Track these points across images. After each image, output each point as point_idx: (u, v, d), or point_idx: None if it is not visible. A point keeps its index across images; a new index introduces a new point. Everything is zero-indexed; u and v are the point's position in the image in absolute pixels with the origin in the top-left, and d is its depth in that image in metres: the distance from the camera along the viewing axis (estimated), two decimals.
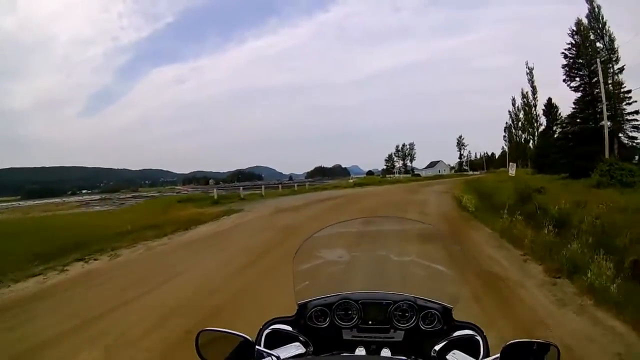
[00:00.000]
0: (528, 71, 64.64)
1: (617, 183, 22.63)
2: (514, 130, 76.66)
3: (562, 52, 38.78)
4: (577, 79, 38.15)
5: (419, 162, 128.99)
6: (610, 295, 5.63)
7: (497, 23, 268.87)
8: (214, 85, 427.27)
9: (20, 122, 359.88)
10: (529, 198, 14.68)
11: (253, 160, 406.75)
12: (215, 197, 28.82)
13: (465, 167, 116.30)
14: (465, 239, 10.69)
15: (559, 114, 48.44)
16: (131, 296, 6.95)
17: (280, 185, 46.33)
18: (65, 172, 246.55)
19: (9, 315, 6.36)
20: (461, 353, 1.63)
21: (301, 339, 1.77)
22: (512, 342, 1.38)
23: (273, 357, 1.51)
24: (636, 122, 35.17)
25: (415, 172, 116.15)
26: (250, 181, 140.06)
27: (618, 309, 5.19)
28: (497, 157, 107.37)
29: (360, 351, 1.70)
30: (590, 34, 37.64)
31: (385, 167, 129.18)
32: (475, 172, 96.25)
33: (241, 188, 35.03)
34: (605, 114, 31.94)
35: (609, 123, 34.38)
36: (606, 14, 36.99)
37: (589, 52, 37.18)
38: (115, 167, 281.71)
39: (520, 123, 72.85)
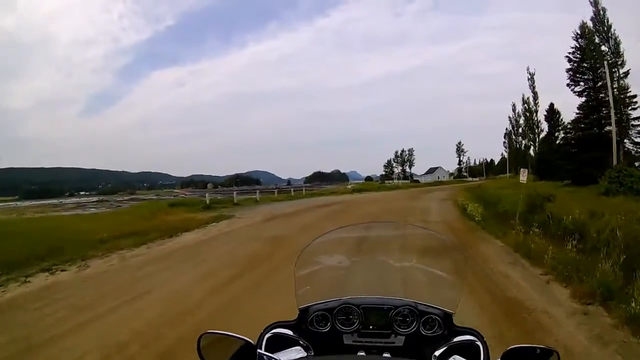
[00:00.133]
0: (529, 76, 63.98)
1: (628, 190, 21.71)
2: (514, 137, 76.30)
3: (567, 56, 38.28)
4: (582, 83, 37.68)
5: (418, 168, 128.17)
6: None
7: (497, 30, 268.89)
8: (213, 89, 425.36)
9: (19, 122, 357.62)
10: (538, 207, 13.68)
11: (252, 164, 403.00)
12: (207, 202, 27.62)
13: (464, 174, 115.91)
14: (475, 253, 9.57)
15: (561, 120, 47.58)
16: (81, 321, 5.91)
17: (276, 190, 45.00)
18: (63, 173, 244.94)
19: None
20: (461, 358, 1.60)
21: (302, 343, 1.76)
22: (512, 347, 1.42)
23: None
24: None
25: (414, 178, 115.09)
26: (248, 185, 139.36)
27: None
28: (496, 163, 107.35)
29: (361, 355, 1.69)
30: (595, 37, 36.88)
31: (384, 172, 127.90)
32: (475, 179, 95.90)
33: (235, 193, 33.62)
34: (613, 118, 31.00)
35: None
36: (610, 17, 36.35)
37: (594, 55, 36.45)
38: (114, 169, 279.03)
39: (520, 129, 72.33)
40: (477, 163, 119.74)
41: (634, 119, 34.77)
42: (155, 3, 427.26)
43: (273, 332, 1.77)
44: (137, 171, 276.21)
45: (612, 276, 6.31)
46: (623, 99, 34.82)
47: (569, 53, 37.95)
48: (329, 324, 1.84)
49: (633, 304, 5.20)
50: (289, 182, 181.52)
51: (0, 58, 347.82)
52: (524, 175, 12.65)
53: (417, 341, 1.77)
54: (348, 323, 1.83)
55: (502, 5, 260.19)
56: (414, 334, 1.78)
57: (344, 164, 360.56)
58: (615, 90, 33.89)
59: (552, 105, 51.13)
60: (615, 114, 32.46)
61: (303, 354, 1.70)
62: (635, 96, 34.79)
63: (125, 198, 76.45)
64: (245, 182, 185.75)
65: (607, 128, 33.98)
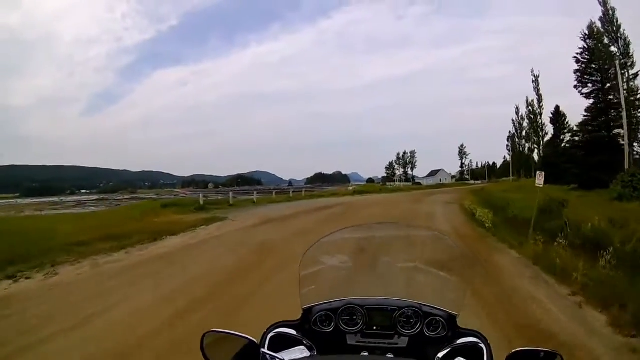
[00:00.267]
0: (534, 79, 63.26)
1: None
2: (517, 140, 75.71)
3: (574, 57, 37.34)
4: (590, 85, 36.66)
5: (420, 171, 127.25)
6: None
7: (499, 33, 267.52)
8: (216, 89, 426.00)
9: (22, 120, 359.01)
10: (550, 212, 12.73)
11: (253, 165, 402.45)
12: (201, 203, 26.50)
13: (467, 176, 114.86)
14: (489, 265, 8.50)
15: (567, 123, 46.43)
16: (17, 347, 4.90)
17: (274, 192, 43.55)
18: (65, 171, 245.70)
19: None
20: None
21: (305, 342, 1.77)
22: (516, 350, 1.41)
23: (277, 359, 1.51)
24: None
25: (416, 181, 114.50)
26: (250, 186, 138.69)
27: None
28: (498, 166, 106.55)
29: (365, 356, 1.70)
30: (605, 37, 35.85)
31: (385, 174, 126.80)
32: (477, 182, 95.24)
33: (231, 193, 32.31)
34: (625, 120, 29.97)
35: (622, 131, 32.79)
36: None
37: (603, 56, 35.48)
38: (115, 168, 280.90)
39: (524, 132, 71.53)
40: (480, 166, 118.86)
41: None
42: (159, 3, 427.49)
43: (276, 332, 1.79)
44: (138, 170, 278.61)
45: None
46: (633, 101, 33.72)
47: (577, 54, 37.08)
48: (332, 324, 1.84)
49: None
50: (290, 183, 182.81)
51: (3, 56, 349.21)
52: (540, 179, 11.50)
53: (420, 342, 1.77)
54: (352, 323, 1.83)
55: (504, 9, 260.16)
56: (417, 335, 1.78)
57: (345, 166, 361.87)
58: (625, 92, 32.92)
59: (557, 107, 50.04)
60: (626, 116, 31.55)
61: (306, 353, 1.71)
62: None
63: (126, 197, 76.53)
64: (247, 182, 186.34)
65: (616, 131, 33.22)
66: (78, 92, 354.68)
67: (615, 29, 35.47)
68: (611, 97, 34.45)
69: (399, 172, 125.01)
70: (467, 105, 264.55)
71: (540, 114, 63.37)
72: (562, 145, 44.59)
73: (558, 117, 49.53)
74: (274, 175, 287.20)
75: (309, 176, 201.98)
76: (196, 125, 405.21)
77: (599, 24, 36.10)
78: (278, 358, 1.50)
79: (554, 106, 50.04)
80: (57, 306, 6.72)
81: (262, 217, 19.54)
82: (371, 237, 2.45)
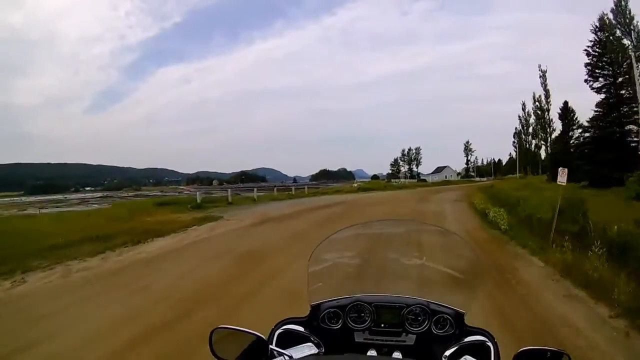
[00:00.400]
0: (541, 74, 62.22)
1: None
2: (523, 136, 75.09)
3: (585, 50, 36.01)
4: (601, 79, 35.24)
5: (425, 167, 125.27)
6: None
7: (504, 29, 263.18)
8: (220, 86, 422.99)
9: (26, 118, 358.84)
10: (568, 212, 11.61)
11: (258, 161, 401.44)
12: (198, 200, 25.46)
13: (472, 173, 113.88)
14: (512, 278, 7.34)
15: (576, 119, 45.01)
16: None
17: (275, 189, 42.32)
18: (70, 168, 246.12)
19: None
20: (472, 359, 1.61)
21: (313, 339, 1.76)
22: (523, 349, 1.40)
23: (285, 356, 1.54)
24: None
25: (421, 177, 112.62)
26: (254, 182, 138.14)
27: None
28: (504, 163, 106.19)
29: (372, 354, 1.67)
30: (617, 29, 34.54)
31: (390, 171, 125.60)
32: (482, 179, 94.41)
33: (229, 191, 31.30)
34: None
35: (634, 127, 31.71)
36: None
37: (615, 49, 34.21)
38: (120, 165, 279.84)
39: (531, 128, 70.47)
40: (485, 163, 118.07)
41: None
42: (162, 1, 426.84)
43: (284, 328, 1.80)
44: (143, 167, 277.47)
45: None
46: None
47: (588, 47, 35.74)
48: (340, 321, 1.82)
49: None
50: (295, 179, 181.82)
51: (7, 55, 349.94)
52: (562, 176, 10.28)
53: (428, 340, 1.75)
54: (360, 321, 1.81)
55: (509, 5, 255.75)
56: (425, 333, 1.76)
57: (350, 162, 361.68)
58: (637, 86, 31.92)
59: (566, 103, 48.14)
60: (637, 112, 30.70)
61: (314, 350, 1.70)
62: None
63: (130, 194, 76.83)
64: (251, 179, 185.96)
65: (629, 127, 32.15)
66: (82, 90, 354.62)
67: (627, 20, 34.18)
68: (623, 91, 33.49)
69: (404, 168, 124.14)
70: (472, 102, 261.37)
71: (548, 110, 62.62)
72: (571, 141, 43.22)
73: (567, 112, 47.76)
74: (279, 171, 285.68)
75: (314, 173, 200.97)
76: (200, 122, 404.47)
77: (610, 16, 34.92)
78: (286, 354, 1.53)
79: (563, 102, 48.27)
80: (10, 322, 6.00)
81: (259, 217, 18.61)
82: (379, 234, 2.39)
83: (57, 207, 37.22)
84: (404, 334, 1.76)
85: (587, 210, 10.44)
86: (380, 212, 19.96)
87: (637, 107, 31.08)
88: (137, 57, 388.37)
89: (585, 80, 35.78)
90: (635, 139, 31.14)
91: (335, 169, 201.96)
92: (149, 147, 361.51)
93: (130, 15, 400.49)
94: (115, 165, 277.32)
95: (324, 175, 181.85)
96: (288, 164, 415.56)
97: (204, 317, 5.61)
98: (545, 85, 62.34)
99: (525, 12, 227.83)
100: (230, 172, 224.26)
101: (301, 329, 1.82)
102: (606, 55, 34.71)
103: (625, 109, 32.80)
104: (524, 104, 70.83)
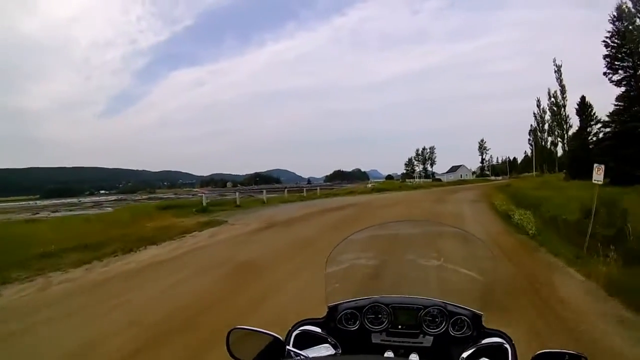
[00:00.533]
0: (556, 69, 60.13)
1: None
2: (539, 133, 73.23)
3: (603, 41, 34.54)
4: (621, 71, 33.89)
5: (440, 167, 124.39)
6: None
7: (516, 25, 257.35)
8: (233, 88, 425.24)
9: (40, 123, 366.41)
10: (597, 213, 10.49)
11: (272, 163, 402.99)
12: (204, 204, 24.53)
13: (487, 172, 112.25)
14: (550, 296, 6.10)
15: (594, 114, 43.28)
16: None
17: (285, 190, 40.89)
18: (85, 172, 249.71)
19: None
20: None
21: (330, 340, 1.74)
22: (541, 352, 1.38)
23: (302, 357, 1.54)
24: None
25: (436, 177, 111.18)
26: (268, 184, 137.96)
27: None
28: (519, 161, 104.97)
29: (389, 355, 1.66)
30: (637, 18, 32.99)
31: (405, 171, 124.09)
32: (498, 177, 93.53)
33: (237, 193, 30.22)
34: None
35: None
36: None
37: (635, 39, 32.72)
38: (135, 169, 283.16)
39: (546, 125, 68.65)
40: (500, 161, 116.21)
41: None
42: (173, 5, 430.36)
43: (302, 329, 1.78)
44: (158, 170, 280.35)
45: None
46: None
47: (606, 37, 34.22)
48: (357, 322, 1.81)
49: None
50: (309, 181, 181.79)
51: (22, 61, 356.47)
52: (599, 174, 9.00)
53: (445, 342, 1.72)
54: (377, 322, 1.80)
55: (520, 1, 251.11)
56: (442, 334, 1.73)
57: (364, 163, 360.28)
58: None
59: (583, 98, 46.29)
60: None
61: (331, 351, 1.69)
62: None
63: (144, 197, 76.82)
64: (265, 180, 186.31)
65: None
66: (96, 95, 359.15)
67: None
68: None
69: (418, 168, 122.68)
70: (486, 100, 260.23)
71: (564, 106, 60.52)
72: (589, 137, 41.53)
73: (584, 108, 45.88)
74: (293, 173, 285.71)
75: (328, 174, 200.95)
76: (214, 124, 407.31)
77: (629, 4, 33.18)
78: (302, 356, 1.54)
79: (580, 97, 46.44)
80: None
81: (265, 220, 17.60)
82: (396, 235, 2.36)
83: (71, 210, 36.81)
84: (421, 335, 1.74)
85: (626, 211, 9.24)
86: (395, 214, 18.68)
87: None
88: (150, 60, 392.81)
89: (604, 73, 34.54)
90: None
91: (349, 169, 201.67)
92: (163, 150, 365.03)
93: (142, 20, 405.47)
94: (130, 168, 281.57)
95: (338, 176, 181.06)
96: (302, 165, 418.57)
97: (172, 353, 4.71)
98: (561, 81, 60.29)
99: (537, 7, 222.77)
100: (244, 173, 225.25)
101: (318, 330, 1.79)
102: (626, 46, 33.31)
103: None
104: (538, 101, 69.08)
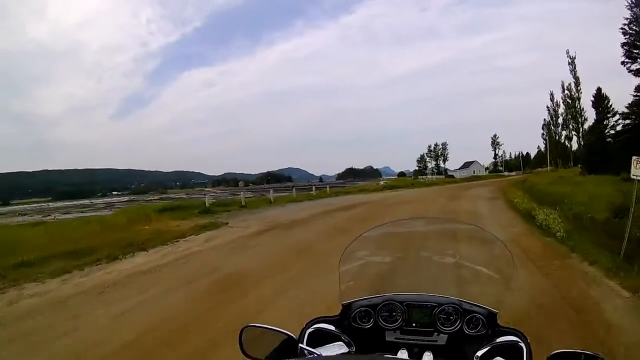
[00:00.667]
0: (569, 61, 58.36)
1: None
2: (553, 128, 71.26)
3: (621, 29, 33.26)
4: None
5: (452, 163, 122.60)
6: None
7: (527, 19, 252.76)
8: (244, 88, 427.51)
9: (53, 126, 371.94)
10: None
11: (284, 161, 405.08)
12: (207, 204, 23.56)
13: (500, 168, 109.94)
14: (593, 320, 4.92)
15: (611, 106, 41.66)
16: None
17: (293, 189, 39.45)
18: (98, 173, 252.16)
19: None
20: None
21: (344, 338, 1.72)
22: (557, 351, 1.37)
23: (315, 355, 1.53)
24: None
25: (449, 173, 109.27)
26: (280, 183, 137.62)
27: None
28: (532, 157, 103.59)
29: (403, 353, 1.64)
30: None
31: (417, 168, 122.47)
32: (512, 173, 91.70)
33: (242, 193, 29.35)
34: None
35: None
36: None
37: None
38: (147, 169, 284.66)
39: (560, 119, 66.96)
40: (513, 157, 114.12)
41: None
42: (182, 6, 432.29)
43: (315, 327, 1.76)
44: (170, 170, 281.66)
45: None
46: None
47: (624, 25, 32.79)
48: (371, 320, 1.80)
49: None
50: (321, 179, 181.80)
51: (35, 66, 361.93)
52: (639, 168, 7.79)
53: (459, 340, 1.70)
54: (391, 320, 1.78)
55: None
56: (457, 332, 1.71)
57: (376, 160, 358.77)
58: None
59: (599, 89, 44.60)
60: None
61: (345, 349, 1.67)
62: None
63: (155, 198, 77.09)
64: (277, 179, 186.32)
65: None
66: (108, 97, 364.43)
67: None
68: None
69: (431, 164, 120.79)
70: (497, 95, 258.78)
71: (579, 99, 58.75)
72: (606, 131, 40.14)
73: (601, 100, 44.24)
74: (305, 171, 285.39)
75: (340, 171, 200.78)
76: (226, 124, 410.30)
77: None
78: (316, 353, 1.53)
79: (596, 88, 44.79)
80: None
81: (268, 222, 16.63)
82: (411, 232, 2.39)
83: (82, 211, 37.74)
84: (436, 333, 1.72)
85: None
86: (408, 213, 17.25)
87: None
88: (160, 62, 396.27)
89: (622, 62, 33.46)
90: None
91: (361, 167, 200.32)
92: (175, 150, 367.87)
93: (152, 23, 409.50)
94: (142, 169, 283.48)
95: (350, 174, 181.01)
96: (314, 163, 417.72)
97: None
98: (575, 72, 58.51)
99: (548, 1, 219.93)
100: (256, 173, 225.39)
101: (332, 327, 1.76)
102: None
103: None
104: (552, 94, 67.25)
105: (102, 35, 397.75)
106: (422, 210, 19.12)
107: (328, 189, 42.92)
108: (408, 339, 1.70)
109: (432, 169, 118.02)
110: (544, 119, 72.54)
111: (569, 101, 60.86)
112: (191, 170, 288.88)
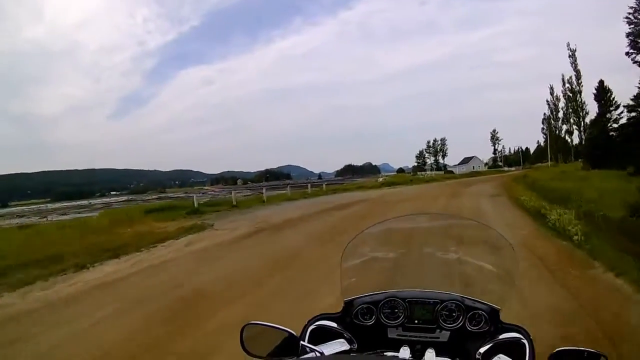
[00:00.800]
0: (570, 53, 57.47)
1: None
2: (553, 122, 70.21)
3: (626, 18, 32.17)
4: None
5: (451, 159, 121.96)
6: None
7: (526, 13, 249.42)
8: (242, 86, 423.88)
9: (50, 127, 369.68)
10: None
11: (283, 159, 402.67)
12: (196, 205, 22.56)
13: (499, 163, 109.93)
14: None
15: (613, 99, 40.84)
16: None
17: (288, 187, 37.85)
18: (96, 174, 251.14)
19: None
20: (507, 358, 1.50)
21: (346, 335, 1.70)
22: (560, 349, 1.35)
23: (317, 352, 1.50)
24: None
25: (448, 169, 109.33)
26: (278, 180, 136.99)
27: None
28: (531, 151, 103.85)
29: (405, 350, 1.55)
30: None
31: (416, 164, 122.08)
32: (511, 168, 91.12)
33: (233, 192, 28.14)
34: None
35: None
36: None
37: None
38: (146, 169, 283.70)
39: (561, 113, 66.30)
40: (512, 152, 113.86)
41: None
42: (179, 5, 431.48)
43: (317, 324, 1.74)
44: (169, 170, 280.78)
45: None
46: None
47: (629, 13, 31.77)
48: (373, 317, 1.78)
49: None
50: (320, 176, 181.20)
51: (32, 67, 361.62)
52: None
53: (462, 337, 1.69)
54: (393, 317, 1.76)
55: None
56: (459, 329, 1.69)
57: (375, 157, 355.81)
58: None
59: (601, 82, 43.85)
60: None
61: (347, 346, 1.66)
62: None
63: (154, 197, 76.22)
64: (276, 177, 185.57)
65: None
66: (106, 97, 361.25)
67: None
68: None
69: (430, 160, 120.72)
70: (496, 90, 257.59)
71: (580, 92, 57.90)
72: (609, 124, 39.77)
73: (603, 93, 43.43)
74: (305, 168, 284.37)
75: (339, 168, 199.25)
76: (225, 122, 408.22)
77: None
78: (317, 351, 1.49)
79: (598, 81, 43.95)
80: None
81: (257, 224, 15.63)
82: (413, 228, 2.35)
83: (79, 212, 36.56)
84: (438, 330, 1.70)
85: None
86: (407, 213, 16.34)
87: None
88: (158, 61, 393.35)
89: (627, 53, 32.33)
90: None
91: (360, 163, 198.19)
92: (174, 149, 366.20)
93: (149, 21, 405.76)
94: (141, 168, 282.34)
95: (349, 171, 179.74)
96: (313, 160, 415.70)
97: None
98: (576, 66, 57.61)
99: None
100: (255, 170, 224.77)
101: (334, 324, 1.73)
102: None
103: None
104: (552, 88, 66.31)
105: (100, 35, 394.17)
106: (424, 210, 17.82)
107: (324, 186, 41.87)
108: (410, 336, 1.69)
109: (431, 164, 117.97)
110: (544, 113, 72.04)
111: (570, 94, 60.07)
112: (190, 169, 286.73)
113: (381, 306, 1.75)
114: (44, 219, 32.51)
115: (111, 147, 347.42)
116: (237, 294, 6.80)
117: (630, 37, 31.74)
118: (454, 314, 1.68)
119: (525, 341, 1.51)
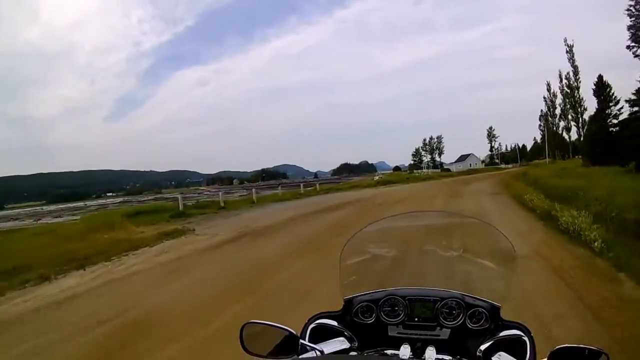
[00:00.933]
0: (568, 49, 57.16)
1: None
2: (550, 119, 71.07)
3: (627, 10, 31.64)
4: None
5: (448, 156, 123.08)
6: None
7: (522, 10, 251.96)
8: (237, 86, 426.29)
9: (46, 129, 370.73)
10: None
11: (279, 158, 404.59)
12: (181, 207, 21.53)
13: (496, 160, 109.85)
14: None
15: (613, 94, 40.05)
16: None
17: (280, 187, 37.29)
18: (92, 175, 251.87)
19: None
20: (507, 355, 1.50)
21: (346, 334, 1.69)
22: (560, 346, 1.32)
23: (317, 351, 1.49)
24: None
25: (445, 167, 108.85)
26: (275, 180, 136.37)
27: None
28: (528, 148, 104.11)
29: (405, 348, 1.54)
30: None
31: (412, 162, 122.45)
32: (508, 165, 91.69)
33: (220, 193, 27.24)
34: None
35: None
36: None
37: None
38: (142, 170, 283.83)
39: (558, 109, 66.56)
40: (509, 149, 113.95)
41: None
42: (174, 6, 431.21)
43: (317, 323, 1.74)
44: (165, 170, 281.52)
45: None
46: None
47: (630, 5, 31.07)
48: (374, 315, 1.77)
49: None
50: (316, 175, 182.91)
51: (28, 69, 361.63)
52: None
53: (462, 334, 1.67)
54: (393, 314, 1.74)
55: None
56: (459, 327, 1.67)
57: (372, 155, 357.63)
58: None
59: (600, 77, 43.00)
60: None
61: (347, 345, 1.65)
62: None
63: (150, 197, 75.61)
64: (272, 176, 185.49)
65: None
66: (101, 99, 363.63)
67: None
68: None
69: (426, 158, 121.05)
70: (492, 87, 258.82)
71: (578, 88, 57.54)
72: (609, 120, 38.84)
73: (602, 88, 42.62)
74: (301, 167, 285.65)
75: (335, 167, 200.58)
76: (220, 123, 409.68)
77: None
78: (317, 349, 1.48)
79: (597, 76, 43.19)
80: None
81: (240, 228, 14.64)
82: (413, 226, 2.29)
83: (74, 214, 35.70)
84: (438, 328, 1.68)
85: None
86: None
87: None
88: (153, 62, 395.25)
89: (628, 47, 31.80)
90: None
91: (356, 162, 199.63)
92: (170, 150, 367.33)
93: (143, 23, 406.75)
94: (137, 169, 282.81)
95: (345, 169, 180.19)
96: (310, 159, 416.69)
97: None
98: (573, 61, 57.54)
99: None
100: (251, 170, 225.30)
101: (334, 323, 1.73)
102: None
103: None
104: (549, 84, 67.31)
105: (95, 36, 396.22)
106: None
107: (317, 186, 41.01)
108: (410, 334, 1.67)
109: (427, 162, 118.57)
110: (541, 110, 72.17)
111: (568, 90, 60.17)
112: (186, 170, 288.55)
113: (381, 304, 1.74)
114: (37, 222, 32.11)
115: (107, 149, 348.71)
116: (186, 324, 5.43)
117: (632, 30, 31.01)
118: (454, 312, 1.67)
119: (526, 338, 1.50)
